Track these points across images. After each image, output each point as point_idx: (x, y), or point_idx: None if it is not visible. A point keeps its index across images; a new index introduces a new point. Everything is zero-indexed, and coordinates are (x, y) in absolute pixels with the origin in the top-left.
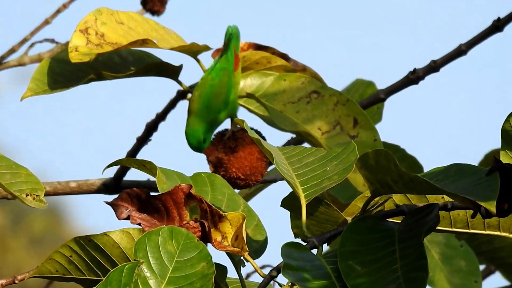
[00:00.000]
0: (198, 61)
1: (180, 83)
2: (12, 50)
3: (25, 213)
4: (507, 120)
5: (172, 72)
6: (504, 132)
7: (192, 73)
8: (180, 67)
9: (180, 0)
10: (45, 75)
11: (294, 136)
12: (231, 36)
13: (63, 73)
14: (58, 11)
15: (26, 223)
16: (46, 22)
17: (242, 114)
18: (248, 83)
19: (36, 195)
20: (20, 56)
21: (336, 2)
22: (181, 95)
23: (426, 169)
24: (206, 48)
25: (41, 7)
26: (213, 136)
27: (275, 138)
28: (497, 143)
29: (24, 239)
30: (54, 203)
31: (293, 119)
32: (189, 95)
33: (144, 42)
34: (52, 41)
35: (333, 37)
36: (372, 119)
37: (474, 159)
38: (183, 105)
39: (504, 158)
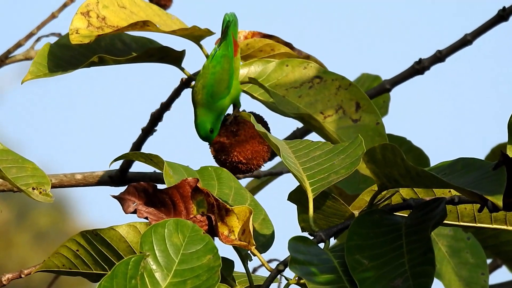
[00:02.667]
0: (200, 46)
1: (183, 69)
2: (18, 44)
3: (30, 208)
4: None
5: (175, 58)
6: (511, 126)
7: (196, 61)
8: (183, 52)
9: None
10: (46, 59)
11: (299, 126)
12: (229, 23)
13: (64, 57)
14: (65, 5)
15: (31, 217)
16: (53, 16)
17: (246, 101)
18: (251, 69)
19: (43, 189)
20: (26, 50)
21: None
22: (185, 84)
23: (433, 160)
24: (208, 32)
25: (47, 1)
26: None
27: (279, 125)
28: (504, 137)
29: (29, 234)
30: (59, 197)
31: (296, 103)
32: (193, 83)
33: (145, 24)
34: (59, 35)
35: (338, 31)
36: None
37: (481, 153)
38: (187, 93)
39: (511, 152)
